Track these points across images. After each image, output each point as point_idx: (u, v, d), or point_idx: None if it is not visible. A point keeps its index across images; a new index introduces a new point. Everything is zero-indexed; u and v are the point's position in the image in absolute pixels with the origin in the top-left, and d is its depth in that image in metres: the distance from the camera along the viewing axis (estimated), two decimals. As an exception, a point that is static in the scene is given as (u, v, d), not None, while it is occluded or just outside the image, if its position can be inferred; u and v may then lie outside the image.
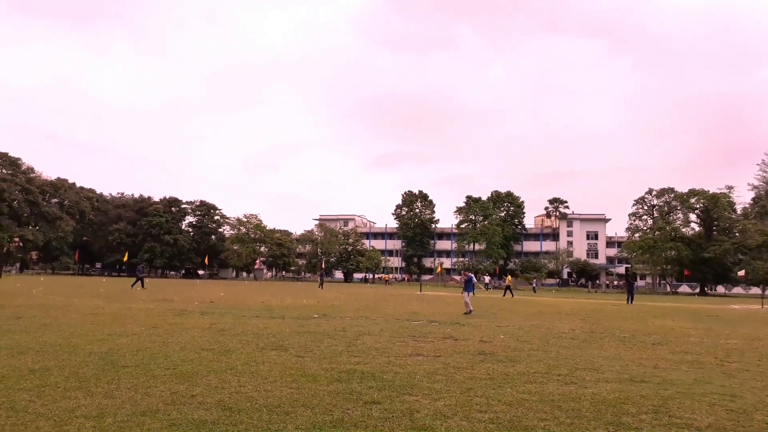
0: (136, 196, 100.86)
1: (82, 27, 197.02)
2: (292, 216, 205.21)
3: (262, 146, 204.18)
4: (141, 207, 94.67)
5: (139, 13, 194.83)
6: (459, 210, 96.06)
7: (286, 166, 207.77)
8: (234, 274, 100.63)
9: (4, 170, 79.14)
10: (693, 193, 75.22)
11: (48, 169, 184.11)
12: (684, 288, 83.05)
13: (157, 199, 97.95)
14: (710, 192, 73.54)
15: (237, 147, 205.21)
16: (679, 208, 78.51)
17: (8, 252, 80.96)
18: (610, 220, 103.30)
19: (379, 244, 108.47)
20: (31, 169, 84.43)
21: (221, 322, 13.74)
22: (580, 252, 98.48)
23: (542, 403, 5.97)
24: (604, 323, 17.33)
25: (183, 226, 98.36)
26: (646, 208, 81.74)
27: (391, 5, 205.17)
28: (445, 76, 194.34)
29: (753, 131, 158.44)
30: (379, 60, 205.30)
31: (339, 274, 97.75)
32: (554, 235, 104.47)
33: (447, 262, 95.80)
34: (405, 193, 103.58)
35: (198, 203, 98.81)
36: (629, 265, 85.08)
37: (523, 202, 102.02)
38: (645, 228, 79.95)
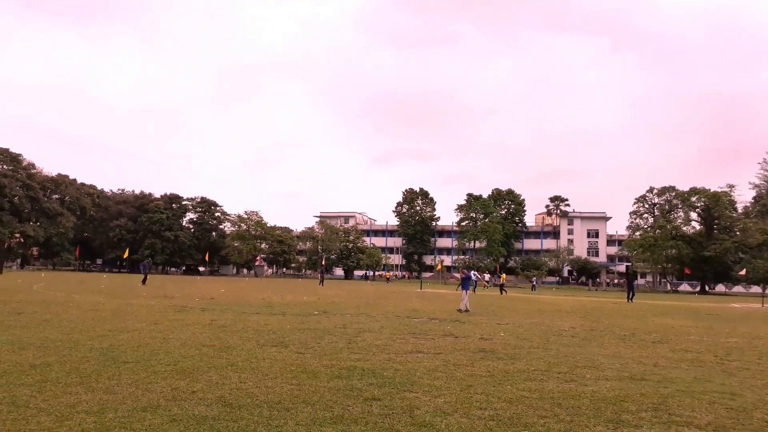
0: (137, 192, 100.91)
1: (83, 23, 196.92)
2: (293, 213, 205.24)
3: (264, 143, 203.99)
4: (142, 203, 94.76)
5: (140, 9, 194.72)
6: (460, 207, 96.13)
7: (288, 164, 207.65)
8: (234, 270, 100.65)
9: (5, 166, 79.32)
10: (694, 191, 75.22)
11: (49, 165, 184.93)
12: (684, 286, 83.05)
13: (157, 195, 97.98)
14: (711, 190, 73.57)
15: (238, 144, 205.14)
16: (680, 206, 78.53)
17: (9, 248, 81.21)
18: (610, 218, 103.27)
19: (379, 241, 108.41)
20: (32, 165, 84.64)
21: (222, 318, 13.76)
22: (580, 250, 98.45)
23: (542, 400, 5.98)
24: (604, 321, 17.35)
25: (184, 223, 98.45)
26: (647, 206, 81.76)
27: (392, 2, 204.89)
28: (447, 74, 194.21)
29: (754, 130, 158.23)
30: (380, 57, 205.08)
31: (339, 272, 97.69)
32: (555, 233, 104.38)
33: (447, 260, 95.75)
34: (406, 190, 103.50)
35: (199, 200, 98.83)
36: (630, 264, 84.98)
37: (523, 200, 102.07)
38: (646, 226, 79.97)
